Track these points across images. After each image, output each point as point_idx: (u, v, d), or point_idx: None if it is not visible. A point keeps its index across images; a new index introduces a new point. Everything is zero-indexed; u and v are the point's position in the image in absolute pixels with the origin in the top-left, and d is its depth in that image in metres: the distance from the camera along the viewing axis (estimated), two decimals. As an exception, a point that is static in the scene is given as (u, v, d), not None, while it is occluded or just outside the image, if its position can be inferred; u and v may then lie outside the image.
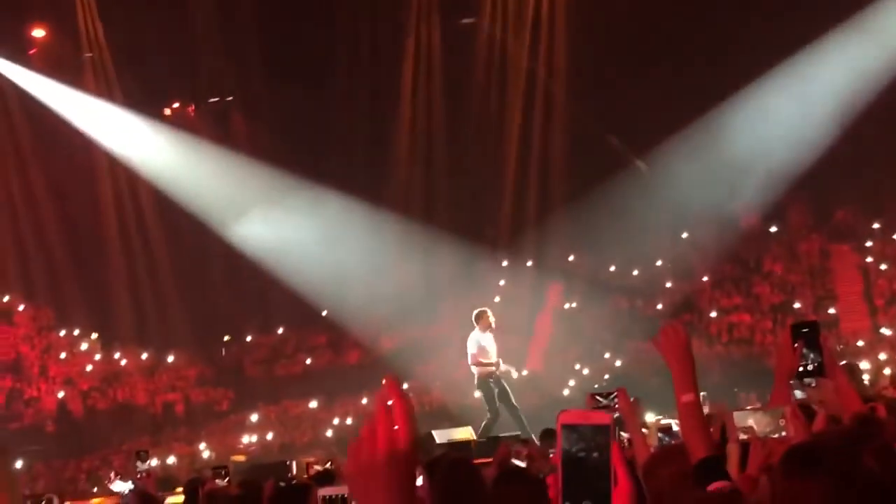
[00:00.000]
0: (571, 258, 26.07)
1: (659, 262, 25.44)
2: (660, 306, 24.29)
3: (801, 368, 4.43)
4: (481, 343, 16.35)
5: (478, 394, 16.99)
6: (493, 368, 16.41)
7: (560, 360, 23.94)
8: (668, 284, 24.84)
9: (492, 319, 16.39)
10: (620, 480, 2.12)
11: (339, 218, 24.94)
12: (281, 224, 24.62)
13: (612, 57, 23.74)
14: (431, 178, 26.85)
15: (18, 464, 21.38)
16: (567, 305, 25.39)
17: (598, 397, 6.23)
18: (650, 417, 13.31)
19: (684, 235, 25.77)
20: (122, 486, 10.91)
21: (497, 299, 26.11)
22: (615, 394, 6.12)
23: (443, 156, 26.78)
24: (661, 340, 4.10)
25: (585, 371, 23.25)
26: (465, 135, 26.41)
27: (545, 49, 25.78)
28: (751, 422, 4.54)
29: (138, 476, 10.79)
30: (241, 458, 20.46)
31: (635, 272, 25.36)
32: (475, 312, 16.48)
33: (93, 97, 25.25)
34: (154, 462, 12.35)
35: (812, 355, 4.42)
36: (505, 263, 26.52)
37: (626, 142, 24.97)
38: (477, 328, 16.35)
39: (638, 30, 23.39)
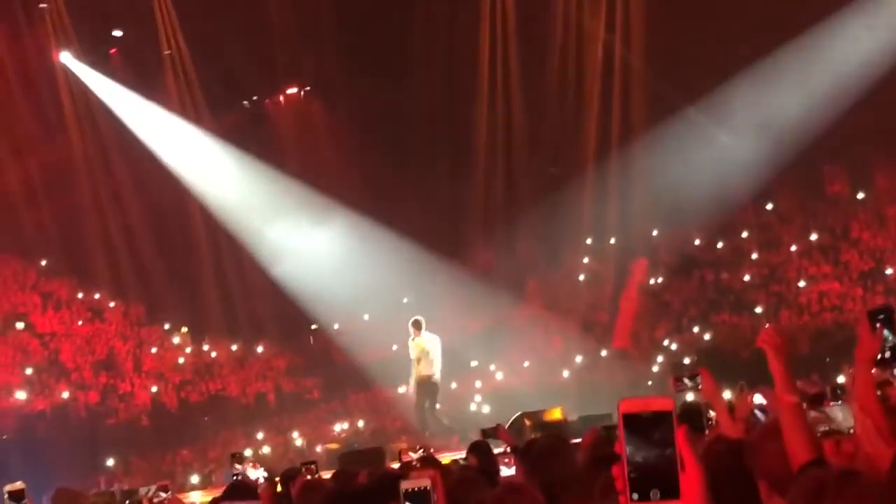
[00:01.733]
0: (655, 233, 25.83)
1: (744, 234, 25.10)
2: (747, 277, 23.95)
3: (881, 356, 4.32)
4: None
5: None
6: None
7: (647, 336, 23.76)
8: (755, 256, 24.48)
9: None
10: (688, 466, 2.08)
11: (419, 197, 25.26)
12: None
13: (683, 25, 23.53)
14: (511, 155, 26.81)
15: (110, 461, 21.90)
16: (652, 281, 25.16)
17: (683, 380, 6.17)
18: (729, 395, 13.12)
19: (769, 206, 25.41)
20: (256, 474, 11.08)
21: (582, 277, 26.07)
22: (699, 375, 6.05)
23: (522, 132, 26.72)
24: (762, 340, 4.03)
25: (674, 346, 23.03)
26: (544, 110, 26.31)
27: (620, 20, 25.60)
28: (840, 416, 4.43)
29: (234, 476, 10.93)
30: (334, 445, 20.66)
31: (720, 244, 25.05)
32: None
33: (161, 106, 25.74)
34: (247, 461, 12.45)
35: (892, 339, 4.30)
36: (589, 241, 26.39)
37: (703, 111, 24.66)
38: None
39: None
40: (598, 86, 25.91)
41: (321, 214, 25.75)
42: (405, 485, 3.99)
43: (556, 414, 16.13)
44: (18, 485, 6.95)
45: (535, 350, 24.12)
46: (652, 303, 24.60)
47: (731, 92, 23.85)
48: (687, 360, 21.70)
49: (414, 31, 26.50)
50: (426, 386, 17.70)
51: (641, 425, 2.08)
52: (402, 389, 21.23)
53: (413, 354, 17.88)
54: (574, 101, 26.25)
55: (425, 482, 3.94)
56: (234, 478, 10.48)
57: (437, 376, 17.88)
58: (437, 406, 17.94)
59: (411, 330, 17.95)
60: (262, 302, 26.13)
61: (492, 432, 9.90)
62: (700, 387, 6.00)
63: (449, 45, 26.52)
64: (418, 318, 18.00)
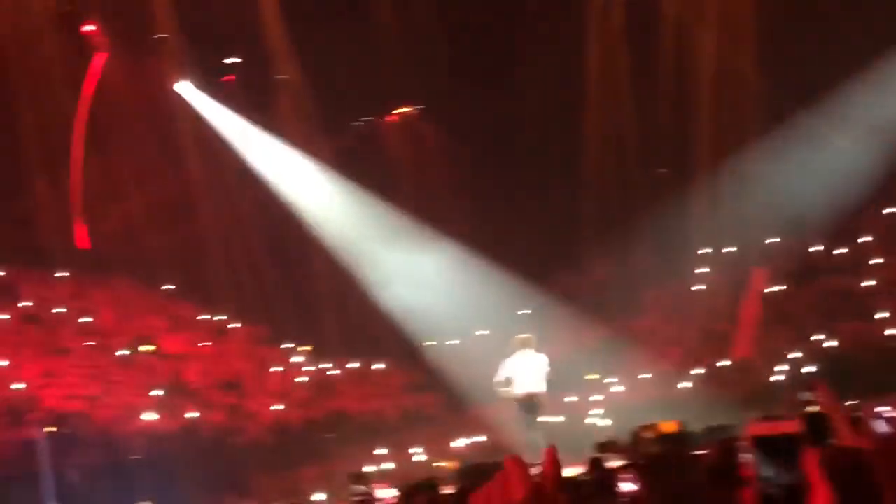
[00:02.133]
0: (773, 240, 25.43)
1: (865, 238, 24.60)
2: (872, 282, 23.44)
3: None
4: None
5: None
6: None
7: (770, 345, 23.39)
8: (880, 260, 23.95)
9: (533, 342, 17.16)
10: (817, 488, 2.12)
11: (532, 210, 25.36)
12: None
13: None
14: (624, 165, 26.71)
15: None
16: (772, 289, 24.77)
17: (801, 394, 6.13)
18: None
19: (891, 210, 24.88)
20: (386, 493, 11.17)
21: (699, 287, 25.80)
22: (816, 388, 6.01)
23: (634, 142, 26.59)
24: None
25: (797, 355, 22.62)
26: (655, 119, 26.15)
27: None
28: None
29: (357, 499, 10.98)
30: (450, 464, 20.61)
31: (840, 250, 24.58)
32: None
33: (276, 131, 26.22)
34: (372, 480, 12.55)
35: None
36: (705, 250, 26.11)
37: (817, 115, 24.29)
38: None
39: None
40: (710, 91, 25.66)
41: (434, 237, 25.93)
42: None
43: (673, 426, 15.95)
44: None
45: (654, 362, 23.92)
46: (773, 311, 24.21)
47: (845, 95, 23.43)
48: (812, 369, 21.29)
49: (521, 44, 26.60)
50: (528, 404, 17.18)
51: (770, 447, 2.13)
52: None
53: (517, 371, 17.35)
54: (686, 108, 26.02)
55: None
56: (360, 499, 10.58)
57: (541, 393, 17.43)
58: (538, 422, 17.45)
59: (518, 346, 17.50)
60: (378, 321, 26.37)
61: (610, 446, 9.86)
62: (818, 400, 5.93)
63: (557, 56, 26.54)
64: (527, 335, 17.67)
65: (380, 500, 10.55)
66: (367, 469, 19.88)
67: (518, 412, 17.26)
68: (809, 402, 5.96)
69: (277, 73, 26.30)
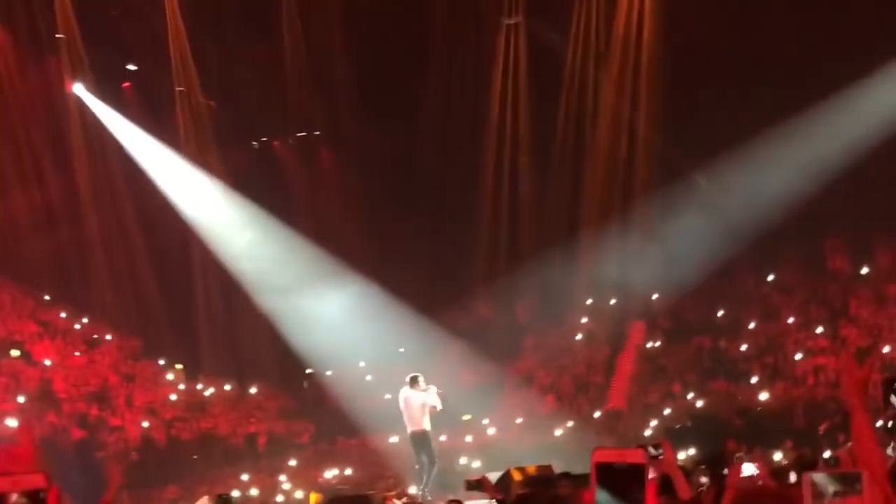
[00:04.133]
0: (655, 296, 25.82)
1: (742, 304, 25.14)
2: (744, 347, 23.93)
3: (886, 424, 4.30)
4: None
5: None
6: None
7: (641, 399, 23.69)
8: (752, 325, 24.47)
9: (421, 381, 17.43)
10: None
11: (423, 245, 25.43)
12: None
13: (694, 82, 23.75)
14: (516, 209, 26.94)
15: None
16: (649, 344, 25.13)
17: (648, 449, 6.30)
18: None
19: (770, 277, 25.47)
20: None
21: (579, 337, 26.06)
22: (661, 446, 6.26)
23: (528, 186, 26.85)
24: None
25: (667, 411, 22.95)
26: (549, 166, 26.44)
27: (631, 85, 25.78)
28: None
29: None
30: (317, 495, 20.40)
31: (720, 312, 25.06)
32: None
33: (171, 144, 25.93)
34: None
35: None
36: (589, 301, 26.41)
37: (710, 178, 24.80)
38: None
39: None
40: (606, 146, 26.03)
41: (327, 265, 25.79)
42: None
43: (545, 471, 16.00)
44: None
45: (529, 407, 24.05)
46: (648, 366, 24.54)
47: (738, 160, 23.97)
48: (679, 426, 21.63)
49: (426, 81, 26.71)
50: (415, 440, 17.59)
51: (614, 476, 2.11)
52: (393, 439, 21.19)
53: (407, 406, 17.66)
54: (581, 159, 26.36)
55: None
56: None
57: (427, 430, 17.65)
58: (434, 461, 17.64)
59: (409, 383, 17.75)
60: (259, 345, 26.13)
61: (476, 485, 9.82)
62: (661, 457, 6.15)
63: (460, 96, 26.72)
64: (416, 374, 17.89)
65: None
66: (232, 494, 19.58)
67: (412, 445, 17.55)
68: (654, 458, 6.12)
69: (177, 84, 25.95)
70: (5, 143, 25.28)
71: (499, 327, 25.95)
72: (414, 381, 17.42)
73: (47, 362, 24.70)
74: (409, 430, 17.40)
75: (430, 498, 16.84)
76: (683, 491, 5.79)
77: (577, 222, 26.09)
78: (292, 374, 26.44)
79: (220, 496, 12.21)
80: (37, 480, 2.75)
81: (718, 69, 23.56)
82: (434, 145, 26.50)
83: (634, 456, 2.14)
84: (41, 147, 25.70)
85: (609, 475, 2.12)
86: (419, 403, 17.22)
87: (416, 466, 17.62)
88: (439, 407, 17.30)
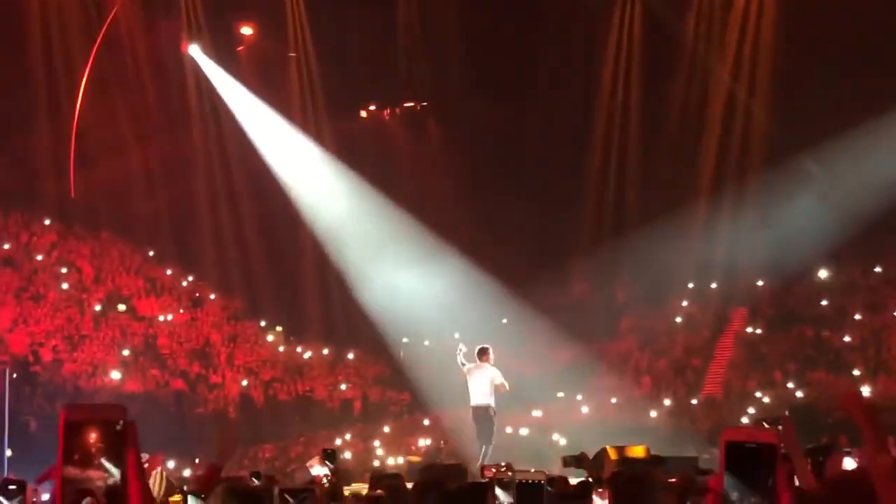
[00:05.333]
0: (760, 283, 25.45)
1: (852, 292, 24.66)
2: (847, 338, 23.47)
3: None
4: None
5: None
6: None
7: (740, 386, 23.40)
8: (858, 316, 23.99)
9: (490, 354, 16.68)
10: (784, 501, 2.09)
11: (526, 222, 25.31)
12: None
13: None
14: (623, 189, 26.75)
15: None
16: (750, 330, 24.79)
17: (764, 424, 6.12)
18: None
19: (877, 269, 24.95)
20: (319, 471, 11.09)
21: (679, 319, 25.80)
22: (781, 422, 5.99)
23: (636, 166, 26.62)
24: (847, 400, 3.86)
25: (766, 399, 22.63)
26: (661, 145, 26.17)
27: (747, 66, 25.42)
28: None
29: (324, 482, 11.00)
30: (415, 458, 20.59)
31: (824, 302, 24.61)
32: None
33: (281, 108, 26.15)
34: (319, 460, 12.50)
35: None
36: (690, 285, 26.11)
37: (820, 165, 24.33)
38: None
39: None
40: (718, 127, 25.71)
41: (428, 237, 25.82)
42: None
43: (639, 451, 15.89)
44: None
45: (624, 388, 23.92)
46: (747, 353, 24.23)
47: (850, 147, 23.49)
48: (776, 416, 21.30)
49: (538, 57, 26.58)
50: (478, 415, 16.63)
51: (744, 455, 2.10)
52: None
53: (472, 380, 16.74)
54: (692, 139, 26.05)
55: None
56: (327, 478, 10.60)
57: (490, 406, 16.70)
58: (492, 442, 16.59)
59: (476, 357, 16.81)
60: (358, 313, 26.26)
61: (573, 460, 9.73)
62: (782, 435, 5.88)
63: (571, 74, 26.56)
64: (485, 346, 16.91)
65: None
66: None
67: (473, 419, 16.80)
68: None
69: (290, 50, 26.22)
70: (122, 102, 25.81)
71: (596, 306, 25.76)
72: (483, 353, 16.63)
73: (154, 318, 25.22)
74: (472, 403, 16.57)
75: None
76: (805, 476, 5.30)
77: (684, 204, 25.73)
78: (389, 341, 26.58)
79: (326, 451, 12.32)
80: (115, 413, 2.85)
81: (832, 56, 23.07)
82: (543, 122, 26.36)
83: (766, 436, 2.12)
84: (156, 106, 26.18)
85: (739, 454, 2.11)
86: (485, 377, 16.48)
87: (478, 440, 16.72)
88: (507, 386, 16.57)
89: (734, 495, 2.09)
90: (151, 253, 26.81)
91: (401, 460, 21.45)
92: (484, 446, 16.40)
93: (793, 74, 23.94)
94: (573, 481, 9.20)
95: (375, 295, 25.81)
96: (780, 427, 5.94)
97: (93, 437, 2.83)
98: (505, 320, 25.05)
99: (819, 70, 23.23)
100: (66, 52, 25.36)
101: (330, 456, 11.83)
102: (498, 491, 5.52)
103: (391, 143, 28.28)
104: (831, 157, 23.91)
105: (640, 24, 26.32)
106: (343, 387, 25.68)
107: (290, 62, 26.51)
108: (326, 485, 8.45)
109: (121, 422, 2.83)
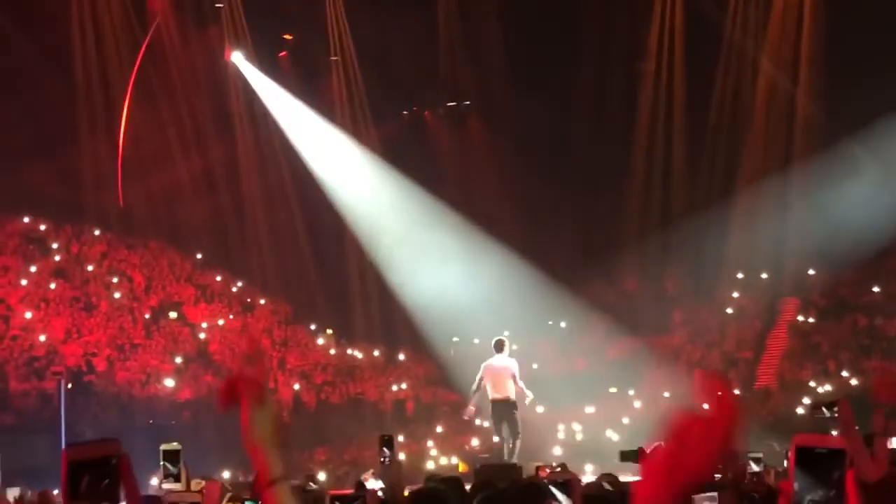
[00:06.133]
0: (811, 272, 25.24)
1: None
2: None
3: None
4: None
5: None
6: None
7: (793, 377, 23.23)
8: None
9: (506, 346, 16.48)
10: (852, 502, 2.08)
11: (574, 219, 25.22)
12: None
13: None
14: (669, 183, 26.65)
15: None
16: (802, 319, 24.59)
17: (821, 409, 6.05)
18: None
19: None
20: (373, 484, 11.21)
21: (729, 311, 25.65)
22: (837, 406, 5.90)
23: (681, 159, 26.52)
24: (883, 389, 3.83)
25: (820, 389, 22.45)
26: (705, 137, 26.08)
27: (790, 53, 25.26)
28: None
29: (382, 460, 11.12)
30: (465, 466, 20.38)
31: (876, 289, 24.35)
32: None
33: (324, 112, 26.22)
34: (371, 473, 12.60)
35: None
36: (740, 276, 25.96)
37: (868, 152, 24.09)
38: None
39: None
40: (763, 116, 25.56)
41: (475, 235, 25.82)
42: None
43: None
44: (174, 445, 7.20)
45: (676, 381, 23.79)
46: (800, 343, 24.04)
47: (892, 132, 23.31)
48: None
49: (581, 56, 26.54)
50: (499, 407, 16.30)
51: (813, 460, 2.10)
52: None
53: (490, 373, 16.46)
54: (737, 130, 25.92)
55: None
56: (382, 460, 10.72)
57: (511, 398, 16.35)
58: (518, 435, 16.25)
59: (494, 349, 16.60)
60: (407, 313, 26.33)
61: (632, 455, 9.65)
62: (837, 417, 5.81)
63: (614, 71, 26.53)
64: (502, 338, 16.73)
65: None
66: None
67: (492, 415, 16.53)
68: (827, 420, 5.84)
69: (331, 53, 26.37)
70: (167, 109, 26.05)
71: (646, 300, 25.68)
72: (499, 346, 16.37)
73: (204, 325, 25.41)
74: (491, 397, 16.19)
75: None
76: (864, 462, 5.06)
77: (732, 195, 25.61)
78: (438, 341, 26.60)
79: (384, 437, 12.45)
80: (109, 449, 2.97)
81: (878, 41, 22.86)
82: (587, 118, 26.34)
83: (836, 442, 2.12)
84: (201, 114, 26.41)
85: (808, 459, 2.10)
86: (505, 370, 16.16)
87: (496, 439, 16.63)
88: (527, 392, 16.26)
89: (805, 493, 2.10)
90: (199, 256, 27.02)
91: (454, 460, 21.45)
92: (511, 440, 16.09)
93: (837, 61, 23.72)
94: (629, 479, 9.16)
95: (424, 295, 25.85)
96: (835, 410, 5.89)
97: (93, 474, 2.96)
98: (552, 321, 25.00)
99: (865, 56, 23.02)
100: (110, 64, 25.64)
101: (387, 442, 11.91)
102: (555, 491, 5.51)
103: (435, 143, 28.37)
104: (879, 143, 23.70)
105: (682, 15, 26.21)
106: (395, 388, 25.75)
107: (332, 66, 26.65)
108: (381, 496, 8.47)
109: (114, 458, 2.96)
